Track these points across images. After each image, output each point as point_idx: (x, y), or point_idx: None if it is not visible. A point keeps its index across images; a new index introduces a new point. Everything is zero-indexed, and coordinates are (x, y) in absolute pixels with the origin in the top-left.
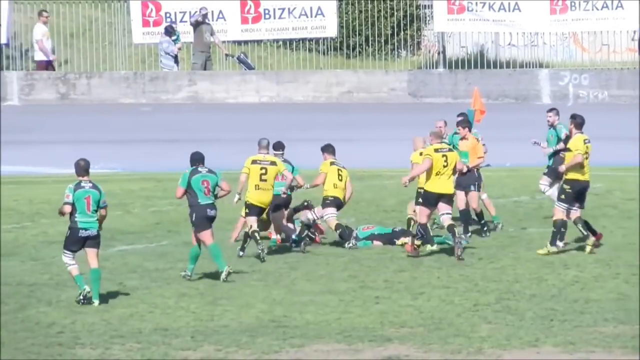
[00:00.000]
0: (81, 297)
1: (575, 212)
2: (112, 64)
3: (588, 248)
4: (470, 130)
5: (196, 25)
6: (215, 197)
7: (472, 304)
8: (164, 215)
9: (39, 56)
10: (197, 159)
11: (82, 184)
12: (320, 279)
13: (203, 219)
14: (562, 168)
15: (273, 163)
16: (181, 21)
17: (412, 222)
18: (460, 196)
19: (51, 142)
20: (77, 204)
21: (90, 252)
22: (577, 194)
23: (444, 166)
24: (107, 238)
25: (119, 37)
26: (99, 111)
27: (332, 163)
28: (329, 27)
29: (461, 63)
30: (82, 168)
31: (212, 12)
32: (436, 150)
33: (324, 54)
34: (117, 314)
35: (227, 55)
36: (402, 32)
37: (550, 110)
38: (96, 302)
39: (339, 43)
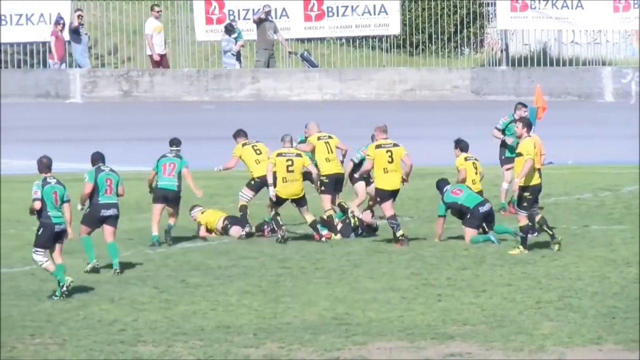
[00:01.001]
0: (65, 290)
1: (538, 215)
2: (175, 61)
3: (556, 247)
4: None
5: (259, 22)
6: (117, 196)
7: (535, 302)
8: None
9: (149, 51)
10: (96, 159)
11: (48, 180)
12: (383, 276)
13: (96, 217)
14: (516, 182)
15: (298, 155)
16: (244, 19)
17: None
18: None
19: (114, 139)
20: (46, 200)
21: (59, 247)
22: (536, 198)
23: (389, 162)
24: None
25: (182, 34)
26: (161, 109)
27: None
28: (392, 24)
29: (524, 60)
30: (45, 165)
31: (275, 9)
32: (378, 147)
33: (387, 51)
34: (179, 311)
35: (290, 52)
36: (465, 30)
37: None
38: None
39: (402, 41)
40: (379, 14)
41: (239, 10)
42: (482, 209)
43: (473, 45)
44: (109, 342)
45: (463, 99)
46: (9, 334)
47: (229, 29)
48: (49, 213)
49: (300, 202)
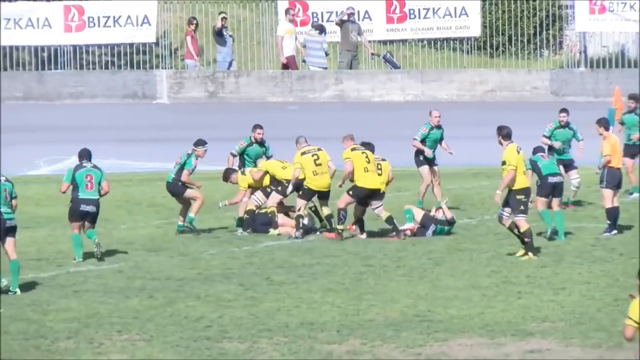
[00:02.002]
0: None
1: (509, 219)
2: (260, 63)
3: (521, 252)
4: (607, 129)
5: (341, 24)
6: (99, 193)
7: (613, 299)
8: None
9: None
10: (82, 155)
11: None
12: (464, 274)
13: (77, 212)
14: (498, 195)
15: (320, 149)
16: (327, 21)
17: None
18: (607, 195)
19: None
20: None
21: (12, 242)
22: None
23: (367, 162)
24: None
25: (266, 36)
26: (246, 109)
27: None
28: (473, 26)
29: (602, 62)
30: None
31: (358, 12)
32: (353, 149)
33: (467, 53)
34: (264, 308)
35: (372, 54)
36: (544, 32)
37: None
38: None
39: (482, 42)
40: (459, 16)
41: (322, 13)
42: (551, 179)
43: (552, 47)
44: (195, 339)
45: (542, 100)
46: (96, 331)
47: (321, 29)
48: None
49: (326, 195)
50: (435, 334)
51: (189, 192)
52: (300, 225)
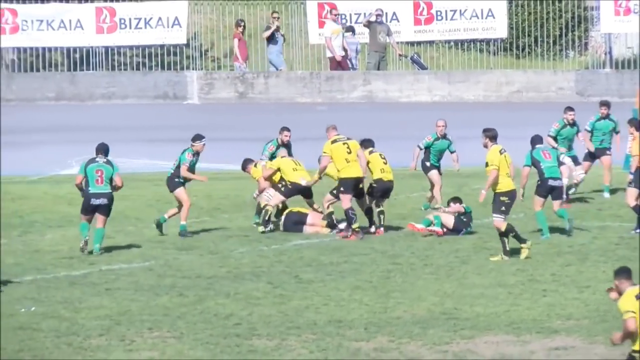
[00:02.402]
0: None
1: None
2: (289, 63)
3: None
4: (638, 129)
5: (369, 25)
6: (114, 188)
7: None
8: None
9: (329, 53)
10: (98, 149)
11: None
12: (490, 272)
13: (87, 206)
14: (482, 195)
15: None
16: (356, 22)
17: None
18: (631, 193)
19: (229, 139)
20: None
21: None
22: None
23: (348, 153)
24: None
25: (295, 37)
26: (275, 110)
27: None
28: (499, 28)
29: (627, 63)
30: None
31: (386, 13)
32: (333, 142)
33: (494, 54)
34: (292, 305)
35: (400, 55)
36: (570, 33)
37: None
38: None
39: (508, 44)
40: (486, 18)
41: (351, 14)
42: (551, 183)
43: (578, 48)
44: (224, 336)
45: (568, 100)
46: (128, 328)
47: (353, 30)
48: None
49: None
50: (461, 331)
51: (178, 192)
52: (343, 221)
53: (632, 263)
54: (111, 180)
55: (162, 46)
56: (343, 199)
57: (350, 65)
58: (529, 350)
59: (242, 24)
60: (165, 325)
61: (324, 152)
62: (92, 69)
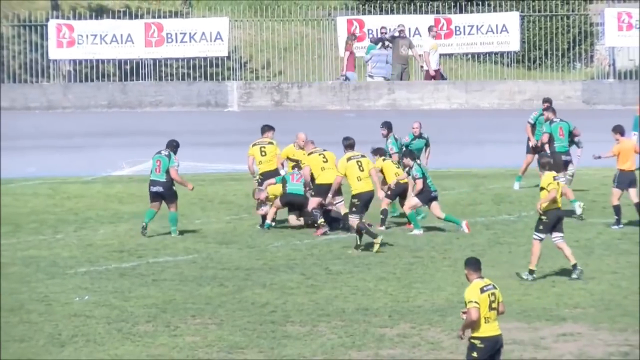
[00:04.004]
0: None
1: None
2: (321, 74)
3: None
4: (623, 135)
5: (392, 40)
6: (166, 176)
7: (638, 287)
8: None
9: (426, 66)
10: (167, 144)
11: None
12: (503, 265)
13: (149, 193)
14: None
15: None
16: (382, 36)
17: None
18: (615, 193)
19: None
20: None
21: None
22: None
23: (325, 162)
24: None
25: (326, 50)
26: (308, 117)
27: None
28: (513, 42)
29: (630, 74)
30: None
31: (409, 28)
32: (310, 154)
33: (507, 65)
34: (323, 295)
35: (422, 67)
36: (577, 47)
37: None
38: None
39: (521, 56)
40: (500, 33)
41: (377, 29)
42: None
43: (584, 60)
44: (261, 322)
45: (575, 108)
46: (172, 315)
47: (384, 42)
48: None
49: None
50: None
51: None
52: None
53: (633, 256)
54: (168, 171)
55: (205, 58)
56: (312, 201)
57: (441, 77)
58: (539, 336)
59: (354, 38)
60: (207, 313)
61: (303, 164)
62: (142, 79)
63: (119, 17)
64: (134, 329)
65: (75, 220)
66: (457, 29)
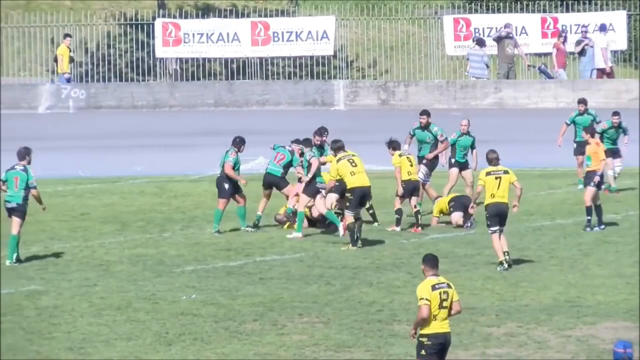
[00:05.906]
0: None
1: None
2: (427, 73)
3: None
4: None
5: (498, 39)
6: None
7: None
8: None
9: (602, 64)
10: (232, 141)
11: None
12: (610, 264)
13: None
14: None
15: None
16: (488, 36)
17: None
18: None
19: (373, 142)
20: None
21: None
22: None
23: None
24: (427, 228)
25: (433, 49)
26: (415, 116)
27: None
28: (619, 40)
29: None
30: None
31: (516, 27)
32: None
33: (614, 64)
34: None
35: (529, 65)
36: None
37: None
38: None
39: (628, 55)
40: (607, 31)
41: (483, 28)
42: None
43: None
44: (367, 321)
45: None
46: (279, 314)
47: (481, 42)
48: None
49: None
50: (584, 317)
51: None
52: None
53: None
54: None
55: (311, 57)
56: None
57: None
58: None
59: (564, 34)
60: (314, 312)
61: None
62: (248, 78)
63: (225, 16)
64: (241, 328)
65: (182, 219)
66: (564, 27)
